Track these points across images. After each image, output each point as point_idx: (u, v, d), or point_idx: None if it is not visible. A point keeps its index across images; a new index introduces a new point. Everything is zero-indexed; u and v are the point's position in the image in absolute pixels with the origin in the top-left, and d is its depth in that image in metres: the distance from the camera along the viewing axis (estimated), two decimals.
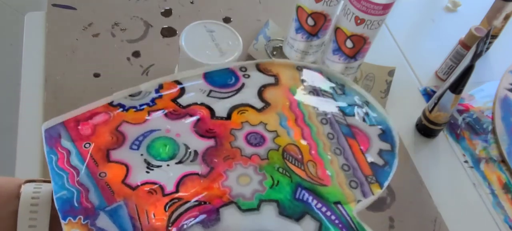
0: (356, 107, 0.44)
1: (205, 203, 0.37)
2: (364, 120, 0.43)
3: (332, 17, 0.52)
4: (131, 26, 0.56)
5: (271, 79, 0.44)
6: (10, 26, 0.84)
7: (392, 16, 0.66)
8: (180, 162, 0.39)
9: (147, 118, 0.40)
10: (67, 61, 0.51)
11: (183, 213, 0.37)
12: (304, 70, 0.45)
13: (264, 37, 0.59)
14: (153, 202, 0.37)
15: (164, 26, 0.57)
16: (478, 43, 0.45)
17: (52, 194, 0.36)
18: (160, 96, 0.42)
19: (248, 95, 0.43)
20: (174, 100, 0.42)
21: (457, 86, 0.47)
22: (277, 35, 0.60)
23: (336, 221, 0.39)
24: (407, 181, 0.48)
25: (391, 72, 0.58)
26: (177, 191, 0.37)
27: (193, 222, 0.37)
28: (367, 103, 0.44)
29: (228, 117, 0.42)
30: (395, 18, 0.66)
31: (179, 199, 0.37)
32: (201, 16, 0.60)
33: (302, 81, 0.44)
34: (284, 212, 0.38)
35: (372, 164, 0.41)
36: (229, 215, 0.37)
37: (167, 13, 0.59)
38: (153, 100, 0.42)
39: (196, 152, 0.39)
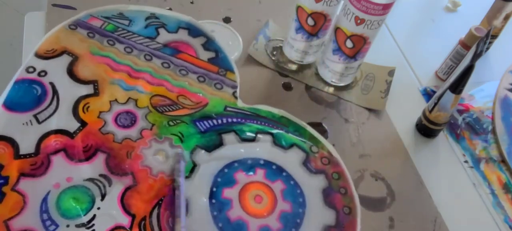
0: (151, 26, 0.44)
1: (161, 201, 0.37)
2: (168, 31, 0.44)
3: (332, 17, 0.52)
4: None
5: (67, 58, 0.41)
6: (10, 26, 0.84)
7: (392, 16, 0.66)
8: (103, 197, 0.36)
9: (20, 196, 0.34)
10: None
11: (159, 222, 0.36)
12: (79, 26, 0.43)
13: (264, 37, 0.59)
14: None
15: None
16: (478, 43, 0.45)
17: None
18: (0, 166, 0.35)
19: (68, 88, 0.40)
20: (17, 156, 0.36)
21: (457, 86, 0.47)
22: (277, 35, 0.59)
23: (239, 120, 0.41)
24: (407, 181, 0.48)
25: (391, 72, 0.58)
26: (133, 216, 0.35)
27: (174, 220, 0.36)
28: (155, 16, 0.45)
29: (82, 123, 0.38)
30: (395, 18, 0.66)
31: (143, 219, 0.35)
32: (201, 16, 0.60)
33: (90, 36, 0.43)
34: (208, 148, 0.39)
35: (210, 60, 0.43)
36: (185, 188, 0.37)
37: None
38: None
39: (103, 175, 0.37)
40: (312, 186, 0.38)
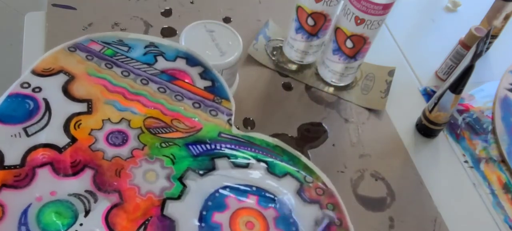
0: (150, 53, 0.45)
1: (148, 221, 0.36)
2: (166, 59, 0.44)
3: (332, 17, 0.52)
4: (131, 26, 0.56)
5: (63, 77, 0.41)
6: (10, 26, 0.84)
7: (392, 16, 0.66)
8: (87, 213, 0.35)
9: (2, 206, 0.34)
10: None
11: None
12: (78, 48, 0.44)
13: (264, 37, 0.59)
14: None
15: (164, 26, 0.57)
16: (478, 43, 0.45)
17: None
18: None
19: (61, 105, 0.40)
20: (1, 166, 0.36)
21: (457, 86, 0.47)
22: (277, 35, 0.60)
23: (233, 146, 0.41)
24: (407, 181, 0.48)
25: (391, 72, 0.58)
26: None
27: None
28: (154, 45, 0.45)
29: (72, 139, 0.38)
30: (395, 18, 0.66)
31: None
32: (201, 16, 0.60)
33: (88, 58, 0.43)
34: (200, 171, 0.39)
35: (206, 88, 0.43)
36: (174, 209, 0.36)
37: (167, 13, 0.59)
38: None
39: (89, 192, 0.36)
40: (306, 215, 0.38)
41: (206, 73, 0.44)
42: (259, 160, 0.40)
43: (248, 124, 0.50)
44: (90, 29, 0.55)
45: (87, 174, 0.37)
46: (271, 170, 0.40)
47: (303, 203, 0.38)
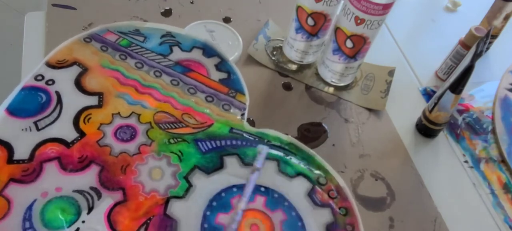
0: (166, 44, 0.44)
1: (150, 220, 0.35)
2: (181, 50, 0.43)
3: (332, 17, 0.52)
4: None
5: (77, 69, 0.41)
6: (10, 26, 0.84)
7: (392, 16, 0.66)
8: (90, 210, 0.35)
9: (6, 201, 0.34)
10: None
11: None
12: (94, 39, 0.43)
13: (264, 37, 0.59)
14: None
15: None
16: (478, 43, 0.45)
17: None
18: None
19: (73, 98, 0.40)
20: (11, 161, 0.36)
21: (457, 86, 0.47)
22: (277, 35, 0.59)
23: (243, 143, 0.40)
24: (407, 181, 0.48)
25: (391, 72, 0.58)
26: None
27: None
28: (170, 34, 0.44)
29: (81, 133, 0.38)
30: (395, 18, 0.66)
31: None
32: (201, 16, 0.60)
33: (103, 49, 0.42)
34: (208, 170, 0.38)
35: (221, 81, 0.43)
36: (177, 209, 0.36)
37: (167, 13, 0.59)
38: None
39: (94, 188, 0.36)
40: (316, 220, 0.36)
41: (222, 65, 0.43)
42: (270, 158, 0.39)
43: (248, 123, 0.50)
44: (90, 29, 0.55)
45: (93, 170, 0.36)
46: (282, 169, 0.39)
47: (313, 206, 0.37)
